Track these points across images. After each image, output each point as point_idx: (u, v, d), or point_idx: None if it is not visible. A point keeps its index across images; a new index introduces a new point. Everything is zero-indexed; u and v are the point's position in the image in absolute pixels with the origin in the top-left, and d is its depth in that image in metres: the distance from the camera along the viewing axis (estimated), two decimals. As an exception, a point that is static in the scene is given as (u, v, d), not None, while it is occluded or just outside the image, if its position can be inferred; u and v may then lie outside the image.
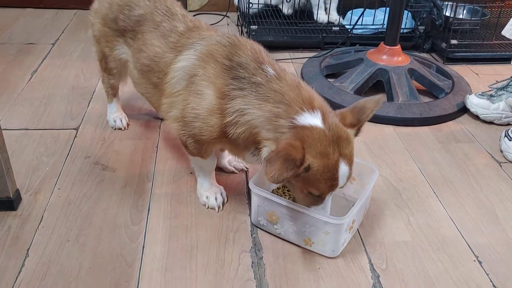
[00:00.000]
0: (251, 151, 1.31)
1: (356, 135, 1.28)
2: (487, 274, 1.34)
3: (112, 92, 1.89)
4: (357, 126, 1.27)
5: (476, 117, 2.12)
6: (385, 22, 2.44)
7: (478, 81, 2.48)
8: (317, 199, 1.28)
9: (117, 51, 1.67)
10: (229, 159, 1.70)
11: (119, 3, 1.62)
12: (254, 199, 1.43)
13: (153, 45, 1.48)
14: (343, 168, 1.20)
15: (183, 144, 1.44)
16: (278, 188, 1.58)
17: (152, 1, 1.58)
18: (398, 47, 2.30)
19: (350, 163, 1.22)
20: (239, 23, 3.03)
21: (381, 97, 1.30)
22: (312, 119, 1.20)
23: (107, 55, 1.72)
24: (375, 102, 1.27)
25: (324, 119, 1.20)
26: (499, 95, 2.08)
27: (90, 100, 2.13)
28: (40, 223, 1.44)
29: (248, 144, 1.30)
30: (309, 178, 1.20)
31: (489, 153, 1.89)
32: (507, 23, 2.08)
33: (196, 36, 1.43)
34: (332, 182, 1.21)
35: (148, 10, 1.55)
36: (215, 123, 1.30)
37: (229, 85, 1.28)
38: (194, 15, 3.22)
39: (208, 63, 1.32)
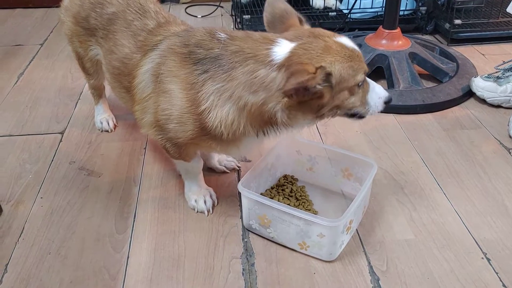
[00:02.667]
0: (253, 132, 1.19)
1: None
2: (497, 273, 1.24)
3: (97, 93, 1.81)
4: (303, 21, 1.24)
5: (482, 101, 2.00)
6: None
7: (484, 62, 2.36)
8: (365, 88, 1.21)
9: (91, 52, 1.59)
10: (219, 158, 1.61)
11: (91, 0, 1.52)
12: (244, 202, 1.34)
13: (123, 46, 1.39)
14: (345, 41, 1.15)
15: (164, 149, 1.35)
16: (272, 188, 1.50)
17: None
18: (398, 30, 2.19)
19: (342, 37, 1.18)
20: (233, 13, 2.92)
21: None
22: (284, 47, 1.11)
23: (82, 56, 1.64)
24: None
25: (289, 39, 1.13)
26: (507, 77, 1.96)
27: (77, 102, 2.05)
28: (20, 236, 1.37)
29: (239, 129, 1.18)
30: (344, 81, 1.12)
31: (497, 139, 1.78)
32: (512, -1, 1.95)
33: (163, 33, 1.34)
34: (355, 54, 1.14)
35: (121, 8, 1.45)
36: (188, 119, 1.20)
37: (193, 73, 1.18)
38: (187, 7, 3.13)
39: (168, 58, 1.24)
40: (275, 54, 1.11)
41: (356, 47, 1.17)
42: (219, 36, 1.20)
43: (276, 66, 1.10)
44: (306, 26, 1.23)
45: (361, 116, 1.24)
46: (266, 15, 1.24)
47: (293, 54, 1.10)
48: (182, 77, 1.20)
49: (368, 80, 1.23)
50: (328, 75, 1.08)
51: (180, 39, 1.25)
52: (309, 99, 1.10)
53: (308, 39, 1.13)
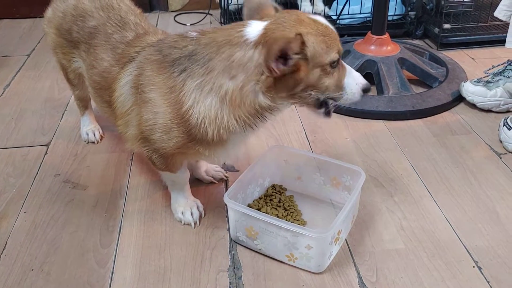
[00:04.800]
0: (238, 126, 1.16)
1: None
2: (488, 282, 1.22)
3: (82, 104, 1.79)
4: (278, 10, 1.22)
5: (472, 105, 1.99)
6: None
7: (474, 67, 2.35)
8: (341, 71, 1.18)
9: (74, 64, 1.56)
10: (206, 168, 1.59)
11: (72, 13, 1.49)
12: (231, 214, 1.32)
13: (103, 60, 1.37)
14: (319, 18, 1.15)
15: (150, 161, 1.33)
16: (259, 198, 1.48)
17: (106, 11, 1.45)
18: (387, 35, 2.18)
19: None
20: (222, 21, 2.91)
21: None
22: (256, 26, 1.12)
23: (66, 67, 1.62)
24: None
25: (260, 20, 1.15)
26: (496, 81, 1.95)
27: (64, 113, 2.02)
28: (2, 252, 1.34)
29: (223, 123, 1.15)
30: (318, 54, 1.10)
31: (487, 144, 1.76)
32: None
33: (139, 44, 1.32)
34: (329, 31, 1.14)
35: (101, 21, 1.43)
36: (172, 125, 1.18)
37: (171, 76, 1.17)
38: (176, 15, 3.12)
39: (144, 68, 1.22)
40: (248, 33, 1.11)
41: (331, 26, 1.16)
42: (190, 34, 1.21)
43: (252, 44, 1.10)
44: None
45: (330, 107, 1.22)
46: (245, 11, 1.25)
47: (266, 31, 1.11)
48: (160, 84, 1.18)
49: (345, 64, 1.21)
50: (303, 44, 1.07)
51: (154, 48, 1.25)
52: (287, 72, 1.08)
53: (280, 15, 1.15)
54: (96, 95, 1.44)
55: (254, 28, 1.12)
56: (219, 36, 1.14)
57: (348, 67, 1.21)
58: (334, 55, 1.13)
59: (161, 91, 1.18)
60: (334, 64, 1.14)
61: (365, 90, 1.22)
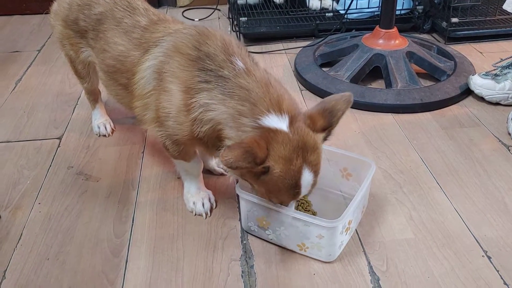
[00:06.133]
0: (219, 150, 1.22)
1: (326, 138, 1.19)
2: (497, 271, 1.23)
3: (93, 98, 1.81)
4: (328, 130, 1.17)
5: (481, 99, 1.99)
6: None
7: (482, 60, 2.35)
8: (279, 202, 1.22)
9: (83, 54, 1.60)
10: (217, 160, 1.61)
11: (78, 2, 1.54)
12: (242, 204, 1.34)
13: (116, 44, 1.39)
14: (306, 176, 1.12)
15: (164, 147, 1.36)
16: (270, 189, 1.49)
17: None
18: (395, 29, 2.18)
19: (315, 170, 1.14)
20: (230, 16, 2.92)
21: (350, 95, 1.17)
22: (278, 123, 1.10)
23: (74, 58, 1.65)
24: (345, 102, 1.16)
25: (291, 123, 1.11)
26: (505, 74, 1.95)
27: (75, 107, 2.05)
28: (18, 242, 1.36)
29: (214, 142, 1.21)
30: (269, 184, 1.12)
31: (496, 136, 1.77)
32: (509, -4, 1.95)
33: (162, 30, 1.35)
34: (293, 190, 1.13)
35: (108, 7, 1.47)
36: (183, 120, 1.22)
37: (194, 78, 1.19)
38: (184, 11, 3.13)
39: (173, 57, 1.24)
40: (265, 119, 1.10)
41: (306, 190, 1.15)
42: (236, 62, 1.18)
43: (255, 126, 1.10)
44: (320, 133, 1.16)
45: None
46: (332, 100, 1.17)
47: (271, 132, 1.09)
48: (182, 79, 1.21)
49: (291, 205, 1.23)
50: (265, 168, 1.09)
51: (189, 40, 1.24)
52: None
53: (292, 134, 1.10)
54: (108, 78, 1.46)
55: (275, 122, 1.10)
56: (255, 91, 1.13)
57: (289, 209, 1.22)
58: (274, 199, 1.19)
59: (180, 87, 1.20)
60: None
61: None
